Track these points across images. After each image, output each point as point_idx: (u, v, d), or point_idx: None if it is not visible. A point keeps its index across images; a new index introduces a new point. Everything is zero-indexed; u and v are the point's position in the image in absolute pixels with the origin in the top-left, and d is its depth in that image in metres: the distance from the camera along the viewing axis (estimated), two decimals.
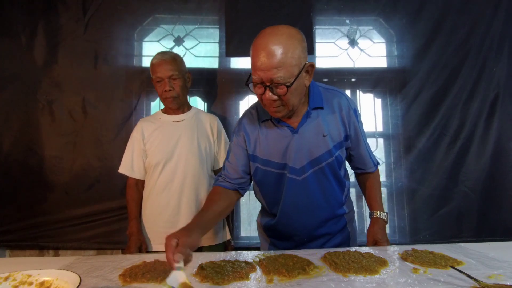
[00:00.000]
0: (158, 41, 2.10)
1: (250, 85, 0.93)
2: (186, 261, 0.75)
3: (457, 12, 2.00)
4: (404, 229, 1.99)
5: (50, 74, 1.91)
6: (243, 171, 1.08)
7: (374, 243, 1.07)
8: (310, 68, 0.94)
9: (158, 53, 1.44)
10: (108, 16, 1.95)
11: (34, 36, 1.90)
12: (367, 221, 2.02)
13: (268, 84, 0.88)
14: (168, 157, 1.40)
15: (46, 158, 1.86)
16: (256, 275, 0.77)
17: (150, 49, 2.08)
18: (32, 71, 1.90)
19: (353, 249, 0.94)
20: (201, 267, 0.80)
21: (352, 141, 1.09)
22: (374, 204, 1.15)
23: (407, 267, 0.80)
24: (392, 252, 0.92)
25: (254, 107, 1.11)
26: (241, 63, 2.09)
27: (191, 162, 1.41)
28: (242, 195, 1.13)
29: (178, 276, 0.68)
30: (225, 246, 1.50)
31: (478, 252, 0.89)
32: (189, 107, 1.54)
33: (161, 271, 0.78)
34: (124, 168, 1.46)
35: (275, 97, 0.90)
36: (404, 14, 2.05)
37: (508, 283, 0.68)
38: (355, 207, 1.27)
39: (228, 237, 1.51)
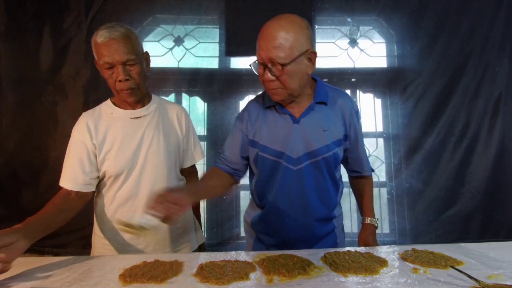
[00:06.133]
0: (158, 41, 2.10)
1: (253, 65, 0.98)
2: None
3: (458, 11, 2.01)
4: (409, 232, 1.98)
5: (55, 77, 1.95)
6: (241, 156, 1.11)
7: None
8: (312, 55, 0.96)
9: (104, 28, 1.03)
10: (109, 17, 1.97)
11: (40, 41, 1.93)
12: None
13: (267, 63, 0.93)
14: (130, 166, 1.10)
15: (50, 159, 1.88)
16: (256, 275, 0.77)
17: (150, 49, 2.07)
18: (38, 74, 1.93)
19: (353, 249, 0.94)
20: (201, 267, 0.80)
21: (351, 142, 1.10)
22: (366, 210, 1.19)
23: (407, 267, 0.80)
24: (392, 252, 0.92)
25: (262, 94, 1.13)
26: (241, 63, 2.09)
27: (158, 169, 1.14)
28: (237, 182, 1.15)
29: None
30: (199, 251, 1.33)
31: (478, 252, 0.89)
32: (149, 97, 1.20)
33: (161, 271, 0.78)
34: (66, 181, 1.05)
35: (273, 77, 0.94)
36: (405, 13, 2.05)
37: (508, 283, 0.68)
38: None
39: (203, 240, 1.36)
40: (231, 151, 1.11)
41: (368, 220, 1.16)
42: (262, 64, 0.95)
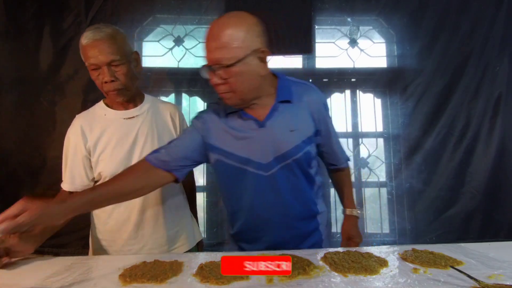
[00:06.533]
0: (158, 41, 2.10)
1: (201, 69, 0.90)
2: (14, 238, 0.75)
3: (458, 11, 2.00)
4: (409, 232, 1.98)
5: (54, 77, 1.95)
6: (187, 157, 1.00)
7: (348, 239, 1.11)
8: (263, 54, 0.89)
9: (89, 30, 1.04)
10: (109, 17, 1.96)
11: (40, 41, 1.93)
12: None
13: (212, 65, 0.87)
14: (124, 166, 1.09)
15: (49, 159, 1.88)
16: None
17: (150, 49, 2.09)
18: (37, 74, 1.93)
19: (353, 249, 0.94)
20: (201, 267, 0.80)
21: (322, 136, 1.05)
22: (347, 201, 1.17)
23: (407, 267, 0.80)
24: (392, 252, 0.92)
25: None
26: None
27: None
28: (178, 181, 1.01)
29: None
30: (197, 248, 1.33)
31: (478, 252, 0.89)
32: (141, 97, 1.21)
33: (161, 271, 0.78)
34: (65, 182, 1.12)
35: (220, 80, 0.88)
36: (405, 13, 2.05)
37: (508, 283, 0.68)
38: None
39: (201, 237, 1.35)
40: (178, 145, 1.00)
41: (350, 212, 1.14)
42: (210, 67, 0.88)
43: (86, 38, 1.03)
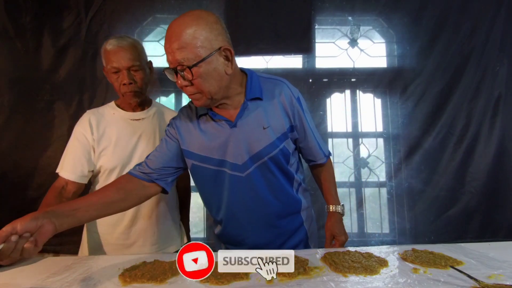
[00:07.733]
0: (158, 41, 2.10)
1: (167, 72, 0.89)
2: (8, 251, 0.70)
3: (459, 11, 2.00)
4: (409, 232, 1.98)
5: (52, 76, 1.94)
6: (164, 165, 0.99)
7: (332, 237, 1.08)
8: (228, 52, 0.88)
9: (113, 38, 1.17)
10: (108, 17, 1.97)
11: (40, 40, 1.93)
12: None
13: (175, 67, 0.85)
14: (125, 161, 1.18)
15: (42, 159, 1.88)
16: (256, 275, 0.77)
17: (150, 49, 2.08)
18: (35, 73, 1.93)
19: (353, 249, 0.94)
20: None
21: (298, 132, 1.03)
22: (329, 197, 1.12)
23: (407, 267, 0.80)
24: (392, 252, 0.92)
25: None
26: (240, 62, 2.09)
27: None
28: (165, 191, 1.02)
29: None
30: None
31: (478, 252, 0.89)
32: (149, 102, 1.31)
33: (161, 271, 0.78)
34: (65, 170, 1.14)
35: (186, 82, 0.87)
36: (405, 13, 2.05)
37: (508, 283, 0.68)
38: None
39: (187, 240, 1.39)
40: (158, 155, 1.00)
41: (333, 208, 1.10)
42: (173, 69, 0.87)
43: (110, 45, 1.15)
